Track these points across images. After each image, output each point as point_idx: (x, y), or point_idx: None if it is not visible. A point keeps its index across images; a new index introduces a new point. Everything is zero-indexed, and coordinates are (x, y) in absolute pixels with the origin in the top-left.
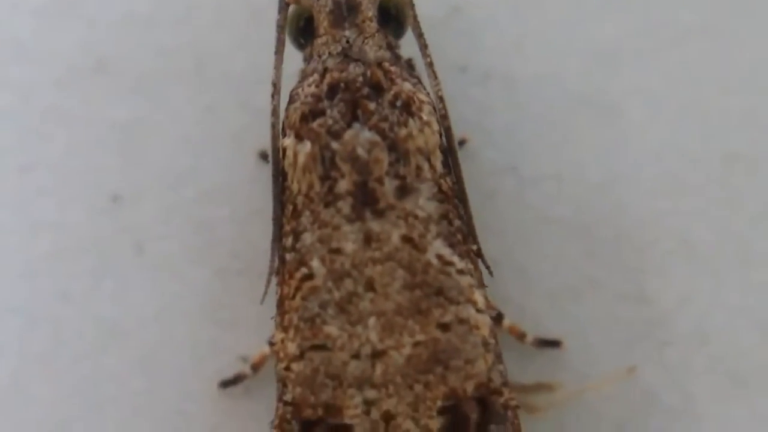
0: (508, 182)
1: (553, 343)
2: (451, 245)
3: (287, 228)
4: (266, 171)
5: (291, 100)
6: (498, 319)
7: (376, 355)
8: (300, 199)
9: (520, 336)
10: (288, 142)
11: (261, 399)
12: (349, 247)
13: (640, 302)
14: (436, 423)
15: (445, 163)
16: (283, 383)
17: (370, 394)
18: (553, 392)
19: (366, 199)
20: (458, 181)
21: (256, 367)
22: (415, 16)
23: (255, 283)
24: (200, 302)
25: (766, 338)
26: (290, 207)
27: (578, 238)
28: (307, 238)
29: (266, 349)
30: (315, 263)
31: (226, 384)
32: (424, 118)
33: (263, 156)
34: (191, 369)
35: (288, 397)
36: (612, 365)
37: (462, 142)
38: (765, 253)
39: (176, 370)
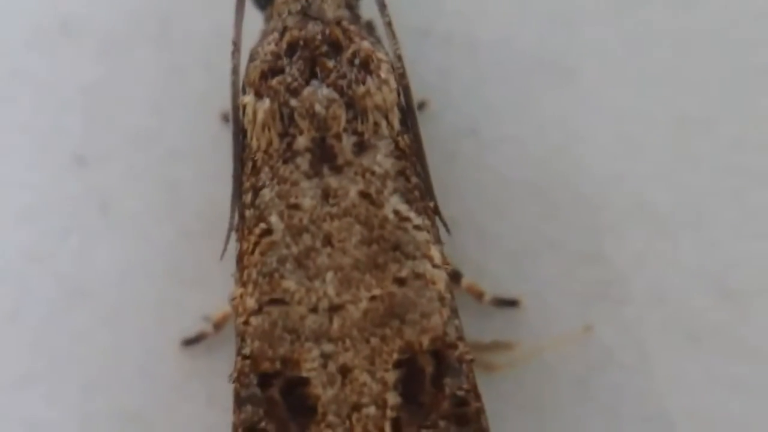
0: (468, 145)
1: (511, 303)
2: (408, 201)
3: (247, 185)
4: (229, 132)
5: (251, 59)
6: (456, 278)
7: (334, 309)
8: (259, 156)
9: (479, 295)
10: (248, 99)
11: (223, 357)
12: (307, 202)
13: (597, 262)
14: (392, 376)
15: (403, 122)
16: (241, 338)
17: (328, 347)
18: (511, 351)
19: (324, 156)
20: (416, 139)
21: (218, 326)
22: None
23: (219, 243)
24: (164, 262)
25: (719, 298)
26: (250, 164)
27: (537, 199)
28: (266, 194)
29: (228, 308)
30: (274, 219)
31: (188, 342)
32: (382, 76)
33: (225, 118)
34: (155, 328)
35: (246, 351)
36: (569, 324)
37: (422, 105)
38: (719, 214)
39: (140, 329)
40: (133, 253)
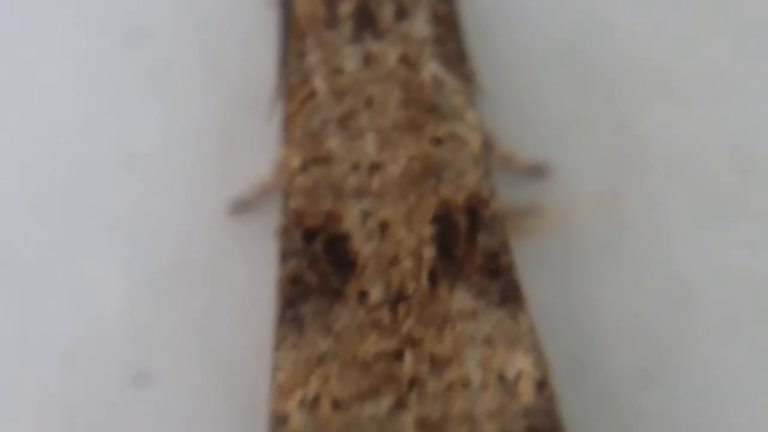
0: (502, 19)
1: (541, 170)
2: (446, 66)
3: (292, 51)
4: (275, 2)
5: None
6: (489, 145)
7: (374, 167)
8: (304, 23)
9: (510, 162)
10: None
11: (268, 222)
12: (349, 66)
13: (624, 133)
14: (428, 231)
15: None
16: (287, 195)
17: (368, 204)
18: (541, 217)
19: (366, 22)
20: (453, 7)
21: (264, 191)
22: None
23: (264, 113)
24: (212, 132)
25: (738, 164)
26: (295, 30)
27: (566, 73)
28: (311, 59)
29: (273, 175)
30: (318, 82)
31: (236, 207)
32: None
33: None
34: (203, 195)
35: (291, 207)
36: (596, 192)
37: None
38: (743, 83)
39: (188, 196)
40: (182, 124)
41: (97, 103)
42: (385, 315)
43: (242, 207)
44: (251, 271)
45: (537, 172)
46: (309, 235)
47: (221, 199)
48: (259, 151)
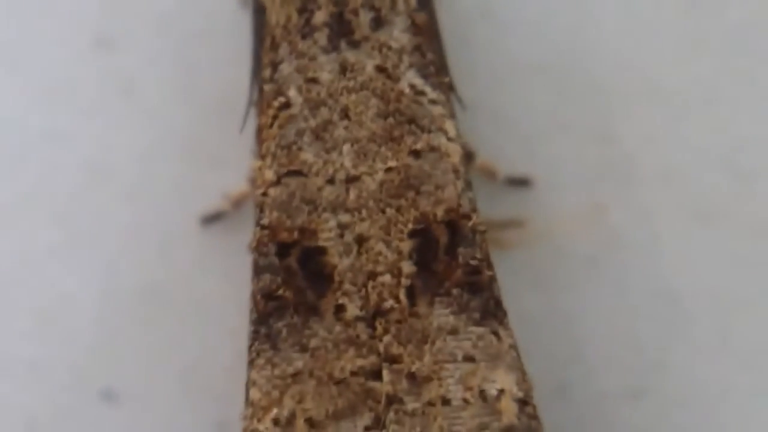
0: (483, 28)
1: (523, 182)
2: (424, 76)
3: (266, 60)
4: (248, 13)
5: None
6: (470, 157)
7: (350, 180)
8: (278, 32)
9: (491, 174)
10: None
11: (241, 235)
12: (325, 76)
13: (608, 143)
14: (407, 245)
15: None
16: (260, 209)
17: (344, 217)
18: (523, 229)
19: (342, 30)
20: (431, 16)
21: (236, 204)
22: None
23: (237, 122)
24: (185, 142)
25: (728, 177)
26: (269, 39)
27: (548, 82)
28: (285, 68)
29: (246, 186)
30: (292, 92)
31: (207, 220)
32: None
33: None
34: (175, 206)
35: (265, 221)
36: (580, 204)
37: None
38: (728, 92)
39: (160, 207)
40: (154, 134)
41: (66, 111)
42: (362, 331)
43: (215, 219)
44: (225, 285)
45: (519, 183)
46: (283, 250)
47: (194, 212)
48: (232, 163)
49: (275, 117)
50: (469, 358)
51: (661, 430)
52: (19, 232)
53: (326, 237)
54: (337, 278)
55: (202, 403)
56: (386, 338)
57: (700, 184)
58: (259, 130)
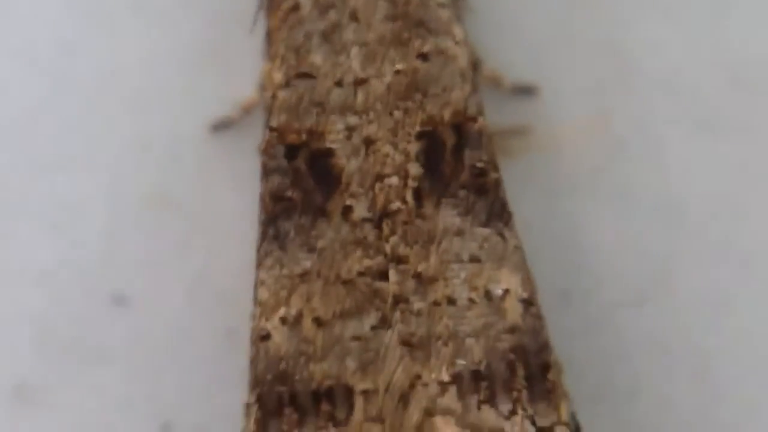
0: None
1: (529, 90)
2: None
3: None
4: None
5: None
6: (476, 65)
7: (358, 82)
8: None
9: (498, 82)
10: None
11: (250, 141)
12: None
13: (613, 52)
14: (414, 147)
15: None
16: (269, 111)
17: (352, 120)
18: (528, 136)
19: None
20: None
21: (245, 110)
22: None
23: (247, 28)
24: (193, 49)
25: (732, 85)
26: None
27: None
28: None
29: (255, 93)
30: None
31: (216, 127)
32: None
33: None
34: (184, 113)
35: (274, 123)
36: (585, 113)
37: None
38: (734, 5)
39: (170, 114)
40: (163, 41)
41: (76, 20)
42: (369, 232)
43: (224, 126)
44: (234, 191)
45: (525, 92)
46: (292, 152)
47: (203, 118)
48: (241, 70)
49: (284, 19)
50: (474, 259)
51: (664, 338)
52: (28, 142)
53: (334, 139)
54: (344, 180)
55: (212, 309)
56: (393, 239)
57: (704, 93)
58: (269, 33)
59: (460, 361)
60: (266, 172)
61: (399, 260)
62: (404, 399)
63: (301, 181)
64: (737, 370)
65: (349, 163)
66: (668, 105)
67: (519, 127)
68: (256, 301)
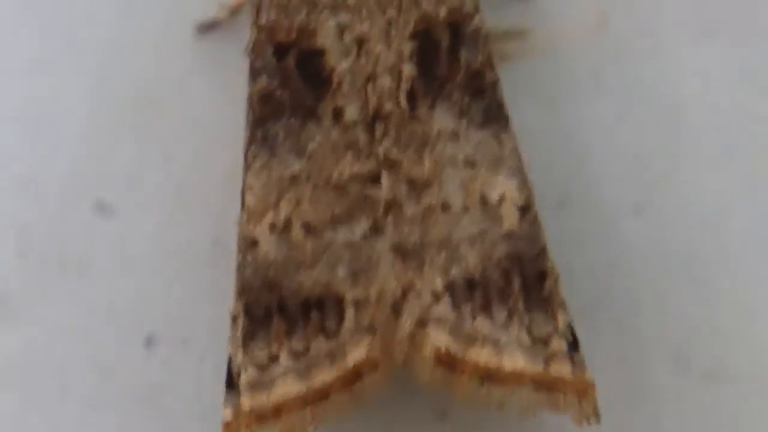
0: None
1: None
2: None
3: None
4: None
5: None
6: None
7: None
8: None
9: None
10: None
11: (237, 44)
12: None
13: None
14: (408, 47)
15: None
16: (257, 9)
17: (344, 17)
18: (526, 39)
19: None
20: None
21: (233, 12)
22: None
23: None
24: None
25: None
26: None
27: None
28: None
29: None
30: None
31: (203, 28)
32: None
33: None
34: (170, 14)
35: (263, 21)
36: (584, 15)
37: None
38: None
39: (155, 15)
40: None
41: None
42: (361, 135)
43: (211, 28)
44: (220, 95)
45: None
46: (281, 51)
47: (189, 20)
48: None
49: None
50: (469, 163)
51: (662, 245)
52: (9, 41)
53: (325, 37)
54: (335, 80)
55: (197, 218)
56: (385, 142)
57: None
58: None
59: (455, 270)
60: (254, 72)
61: (391, 164)
62: (396, 308)
63: (290, 82)
64: (737, 276)
65: (340, 63)
66: (668, 6)
67: (516, 31)
68: (244, 206)
